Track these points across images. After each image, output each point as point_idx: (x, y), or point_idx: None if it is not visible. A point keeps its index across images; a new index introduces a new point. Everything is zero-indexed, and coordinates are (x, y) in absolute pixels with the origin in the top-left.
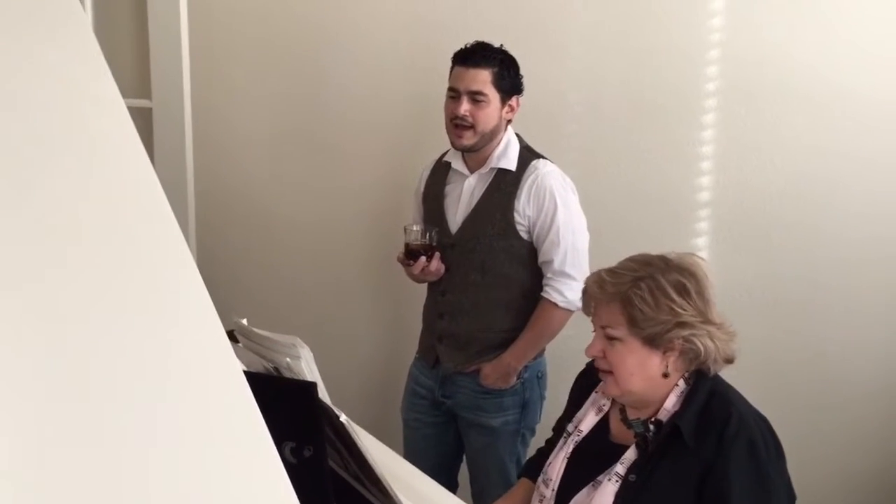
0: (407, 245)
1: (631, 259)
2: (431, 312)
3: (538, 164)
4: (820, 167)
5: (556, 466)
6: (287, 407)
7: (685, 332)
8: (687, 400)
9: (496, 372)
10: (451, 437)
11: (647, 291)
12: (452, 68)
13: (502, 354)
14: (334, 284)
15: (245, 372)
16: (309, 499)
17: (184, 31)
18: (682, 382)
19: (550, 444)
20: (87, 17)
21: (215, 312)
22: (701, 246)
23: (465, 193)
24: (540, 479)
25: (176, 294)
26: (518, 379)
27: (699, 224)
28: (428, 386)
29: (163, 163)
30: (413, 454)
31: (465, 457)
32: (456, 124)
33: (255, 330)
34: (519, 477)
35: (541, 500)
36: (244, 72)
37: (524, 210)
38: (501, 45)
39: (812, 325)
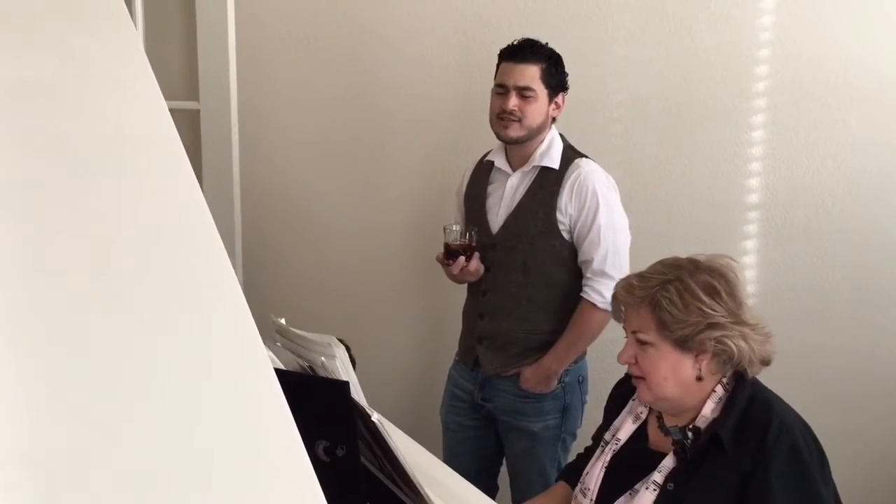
0: (446, 245)
1: (660, 262)
2: (471, 313)
3: (581, 163)
4: (874, 168)
5: (595, 475)
6: (320, 405)
7: (717, 334)
8: (727, 406)
9: (536, 376)
10: (491, 441)
11: (675, 293)
12: (499, 64)
13: (542, 358)
14: (376, 286)
15: (278, 370)
16: (342, 497)
17: (231, 33)
18: (720, 388)
19: (589, 453)
20: (128, 17)
21: (247, 310)
22: (749, 249)
23: (507, 192)
24: (578, 488)
25: (209, 292)
26: (559, 383)
27: (748, 227)
28: (467, 389)
29: (210, 163)
30: (453, 457)
31: (505, 461)
32: (502, 118)
33: (293, 329)
34: (557, 480)
35: None
36: (289, 74)
37: (566, 209)
38: (547, 43)
39: (865, 331)
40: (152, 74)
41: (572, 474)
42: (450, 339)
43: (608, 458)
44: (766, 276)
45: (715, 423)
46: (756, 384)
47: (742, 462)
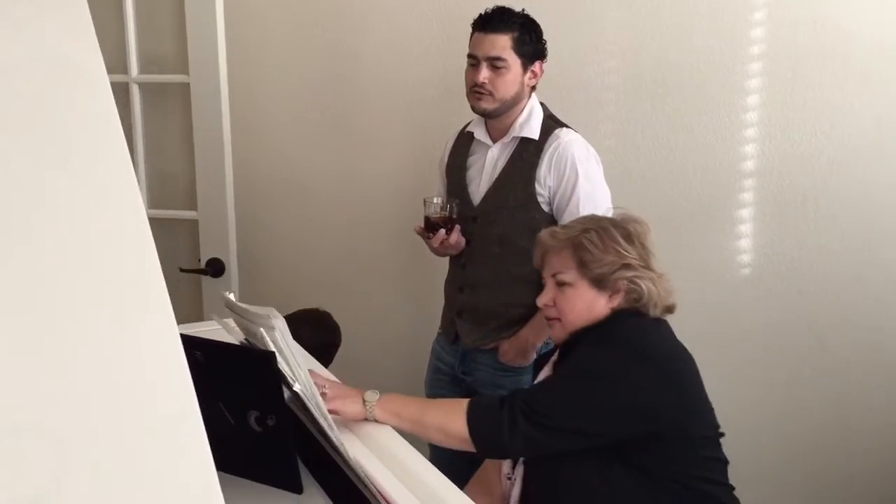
0: (426, 218)
1: (581, 218)
2: (452, 286)
3: (560, 133)
4: (873, 135)
5: None
6: (250, 376)
7: (630, 274)
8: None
9: (514, 349)
10: None
11: (595, 236)
12: (472, 35)
13: (520, 330)
14: (365, 258)
15: (212, 343)
16: (275, 466)
17: (219, 7)
18: None
19: None
20: None
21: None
22: (745, 217)
23: (487, 164)
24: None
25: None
26: (538, 356)
27: (743, 195)
28: (449, 362)
29: (202, 136)
30: None
31: None
32: (475, 91)
33: (238, 304)
34: None
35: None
36: (279, 52)
37: (545, 180)
38: (524, 10)
39: (864, 301)
40: (97, 47)
41: None
42: (437, 312)
43: None
44: (762, 244)
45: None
46: (638, 314)
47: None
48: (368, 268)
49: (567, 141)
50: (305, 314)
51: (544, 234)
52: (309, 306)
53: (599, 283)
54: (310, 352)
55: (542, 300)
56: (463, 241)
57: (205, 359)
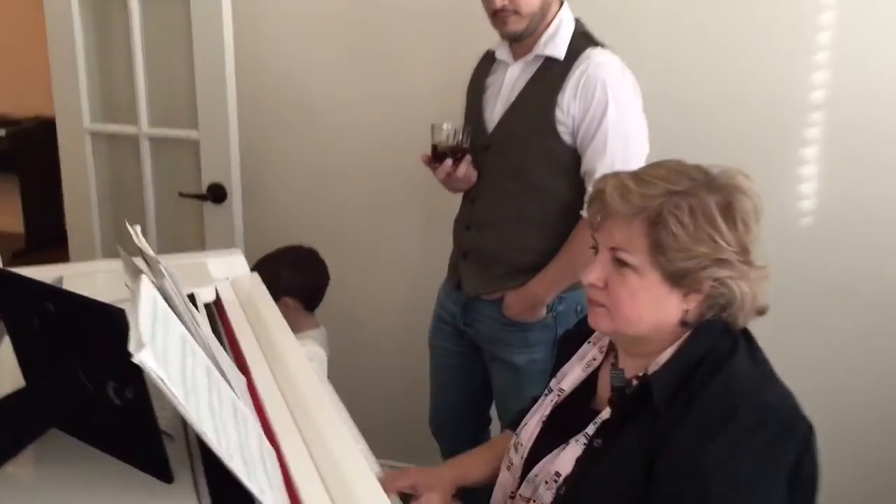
0: (433, 146)
1: (661, 165)
2: (459, 223)
3: (592, 53)
4: None
5: (531, 429)
6: (102, 338)
7: (723, 274)
8: (677, 353)
9: (521, 302)
10: (478, 369)
11: (686, 211)
12: None
13: (529, 281)
14: (379, 193)
15: (63, 291)
16: (138, 448)
17: None
18: (686, 334)
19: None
20: None
21: None
22: (809, 158)
23: (505, 86)
24: (512, 441)
25: None
26: (549, 312)
27: (808, 131)
28: (451, 311)
29: (202, 48)
30: (439, 384)
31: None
32: (497, 16)
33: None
34: (503, 428)
35: (509, 467)
36: None
37: (569, 107)
38: None
39: None
40: None
41: (518, 422)
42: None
43: (548, 411)
44: (828, 188)
45: (659, 371)
46: (732, 335)
47: (667, 422)
48: (382, 201)
49: (599, 63)
50: (287, 252)
51: (610, 187)
52: (314, 240)
53: (677, 279)
54: (293, 294)
55: (589, 276)
56: (474, 174)
57: (57, 312)
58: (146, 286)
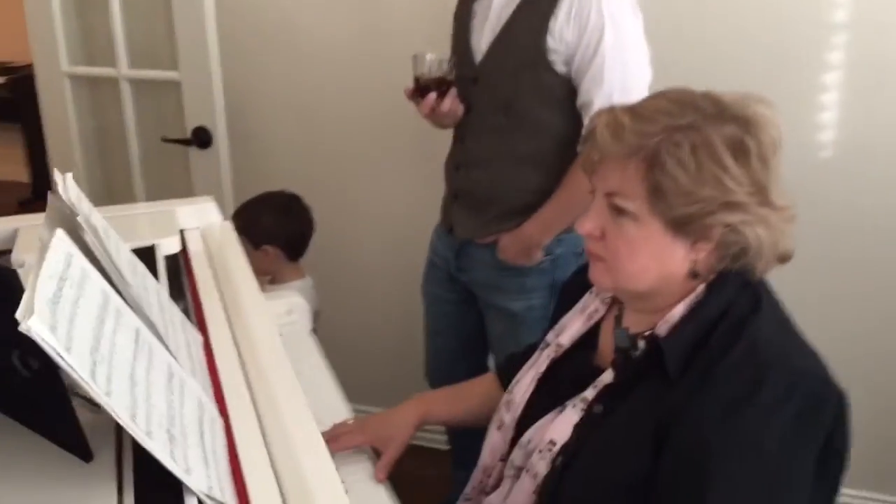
0: (416, 78)
1: (663, 96)
2: (449, 163)
3: None
4: None
5: (524, 387)
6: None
7: (734, 218)
8: (690, 313)
9: (516, 245)
10: (472, 318)
11: (687, 150)
12: None
13: (524, 223)
14: (374, 135)
15: None
16: (51, 422)
17: None
18: (701, 287)
19: (530, 352)
20: None
21: None
22: (829, 84)
23: (493, 10)
24: (504, 398)
25: None
26: (546, 255)
27: (831, 55)
28: (443, 256)
29: None
30: (434, 334)
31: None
32: None
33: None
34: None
35: (499, 427)
36: None
37: (561, 33)
38: None
39: None
40: None
41: (510, 370)
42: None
43: (543, 367)
44: (851, 119)
45: (672, 333)
46: (753, 290)
47: (680, 392)
48: (374, 141)
49: None
50: (268, 198)
51: (602, 120)
52: (305, 185)
53: (681, 226)
54: (275, 242)
55: (583, 226)
56: (460, 108)
57: None
58: (60, 242)
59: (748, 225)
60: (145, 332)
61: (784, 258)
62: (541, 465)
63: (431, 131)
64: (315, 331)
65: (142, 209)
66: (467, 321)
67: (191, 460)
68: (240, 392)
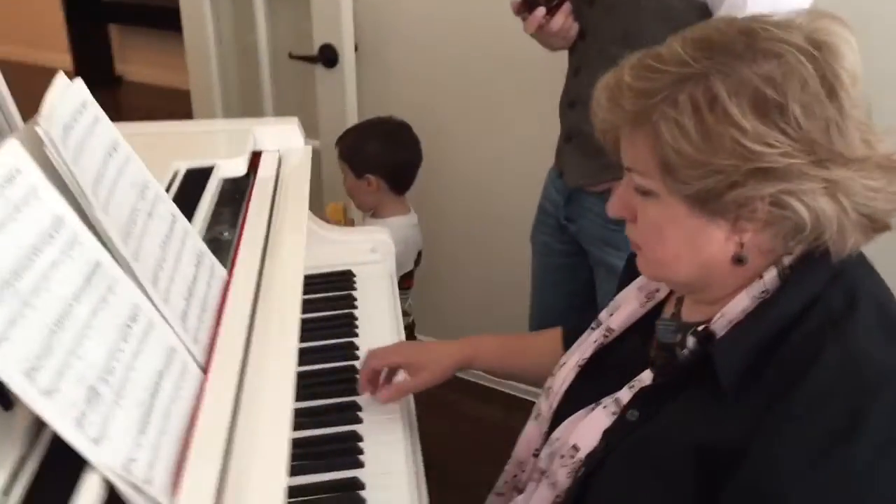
0: None
1: (684, 37)
2: (563, 100)
3: None
4: None
5: (563, 374)
6: None
7: (772, 188)
8: (759, 309)
9: None
10: (582, 274)
11: (687, 110)
12: None
13: None
14: (504, 63)
15: None
16: None
17: None
18: (772, 273)
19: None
20: None
21: None
22: None
23: None
24: (547, 383)
25: None
26: None
27: None
28: (554, 201)
29: None
30: (540, 288)
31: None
32: None
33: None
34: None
35: (537, 416)
36: None
37: None
38: None
39: None
40: None
41: (578, 336)
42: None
43: (588, 354)
44: None
45: (728, 334)
46: (848, 281)
47: (739, 413)
48: (500, 78)
49: None
50: (376, 124)
51: (602, 81)
52: (423, 116)
53: (705, 204)
54: (378, 171)
55: (610, 208)
56: (573, 28)
57: None
58: (4, 155)
59: (799, 195)
60: (108, 269)
61: (881, 225)
62: (561, 474)
63: (557, 68)
64: (411, 273)
65: (221, 126)
66: (578, 276)
67: (113, 426)
68: (234, 346)
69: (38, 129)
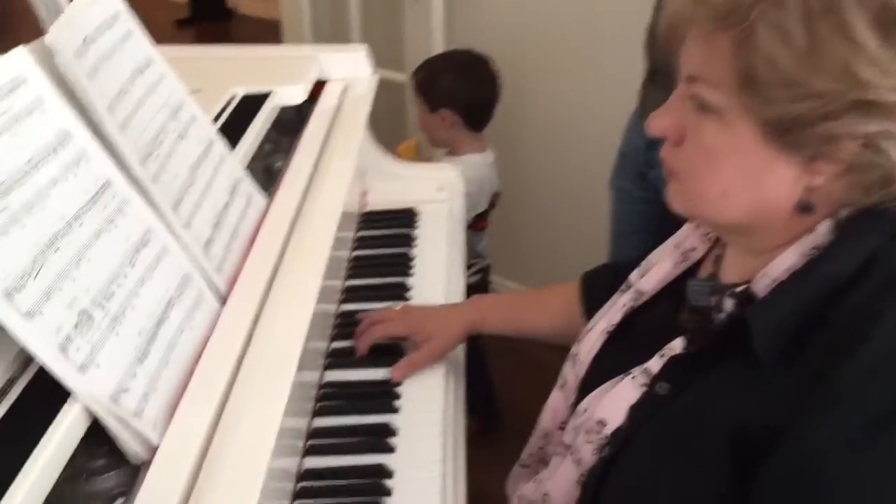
0: None
1: None
2: (648, 31)
3: None
4: None
5: (591, 341)
6: None
7: (873, 126)
8: (807, 269)
9: None
10: (666, 223)
11: (796, 15)
12: None
13: None
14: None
15: None
16: None
17: None
18: (824, 226)
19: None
20: None
21: None
22: None
23: None
24: (572, 349)
25: None
26: None
27: None
28: (635, 144)
29: None
30: (619, 236)
31: None
32: None
33: None
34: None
35: (562, 386)
36: None
37: None
38: None
39: None
40: None
41: (599, 290)
42: None
43: (617, 318)
44: None
45: (767, 296)
46: None
47: (780, 387)
48: (597, 7)
49: None
50: (452, 56)
51: None
52: (512, 49)
53: (784, 134)
54: (453, 105)
55: (656, 123)
56: None
57: None
58: (9, 61)
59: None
60: (119, 189)
61: None
62: (586, 451)
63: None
64: (485, 214)
65: (287, 52)
66: (657, 227)
67: (103, 354)
68: (258, 279)
69: (48, 39)
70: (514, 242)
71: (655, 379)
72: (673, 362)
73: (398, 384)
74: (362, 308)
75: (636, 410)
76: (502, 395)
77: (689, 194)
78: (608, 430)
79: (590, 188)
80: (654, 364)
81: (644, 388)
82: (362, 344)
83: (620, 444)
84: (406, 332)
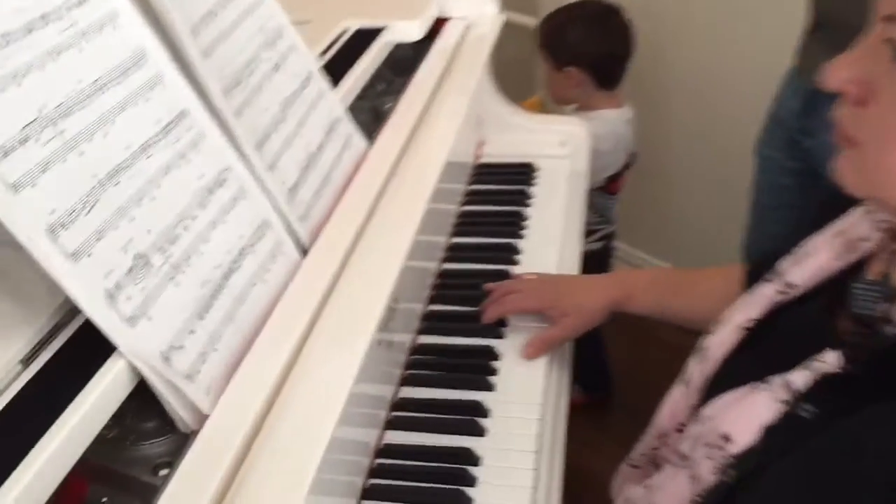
0: None
1: None
2: None
3: None
4: None
5: (724, 335)
6: None
7: None
8: None
9: None
10: (815, 200)
11: None
12: None
13: None
14: None
15: None
16: None
17: None
18: None
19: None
20: None
21: None
22: None
23: None
24: (700, 344)
25: None
26: None
27: None
28: (788, 107)
29: None
30: (760, 210)
31: None
32: None
33: None
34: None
35: (687, 382)
36: None
37: None
38: None
39: None
40: None
41: (762, 261)
42: None
43: (758, 312)
44: None
45: None
46: None
47: None
48: None
49: None
50: (579, 7)
51: None
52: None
53: None
54: (580, 62)
55: (836, 75)
56: None
57: None
58: None
59: None
60: (197, 121)
61: None
62: (704, 468)
63: None
64: (619, 176)
65: None
66: (806, 202)
67: (157, 305)
68: (346, 231)
69: None
70: (644, 208)
71: (799, 398)
72: (824, 381)
73: (496, 358)
74: (465, 269)
75: (773, 433)
76: (616, 367)
77: (870, 168)
78: (733, 448)
79: (736, 155)
80: (799, 378)
81: (784, 406)
82: (491, 315)
83: (748, 471)
84: (541, 307)
